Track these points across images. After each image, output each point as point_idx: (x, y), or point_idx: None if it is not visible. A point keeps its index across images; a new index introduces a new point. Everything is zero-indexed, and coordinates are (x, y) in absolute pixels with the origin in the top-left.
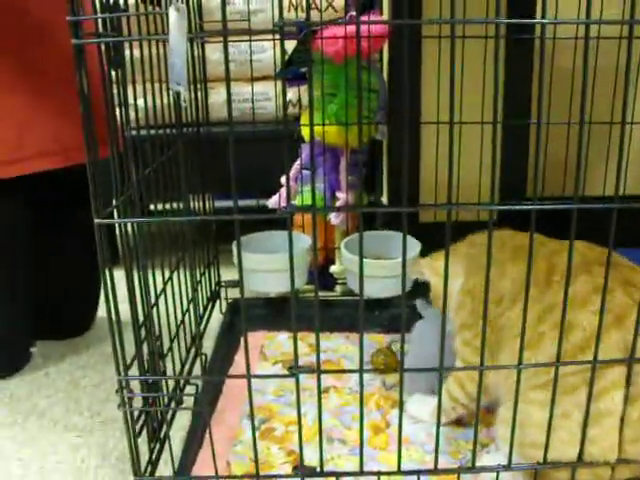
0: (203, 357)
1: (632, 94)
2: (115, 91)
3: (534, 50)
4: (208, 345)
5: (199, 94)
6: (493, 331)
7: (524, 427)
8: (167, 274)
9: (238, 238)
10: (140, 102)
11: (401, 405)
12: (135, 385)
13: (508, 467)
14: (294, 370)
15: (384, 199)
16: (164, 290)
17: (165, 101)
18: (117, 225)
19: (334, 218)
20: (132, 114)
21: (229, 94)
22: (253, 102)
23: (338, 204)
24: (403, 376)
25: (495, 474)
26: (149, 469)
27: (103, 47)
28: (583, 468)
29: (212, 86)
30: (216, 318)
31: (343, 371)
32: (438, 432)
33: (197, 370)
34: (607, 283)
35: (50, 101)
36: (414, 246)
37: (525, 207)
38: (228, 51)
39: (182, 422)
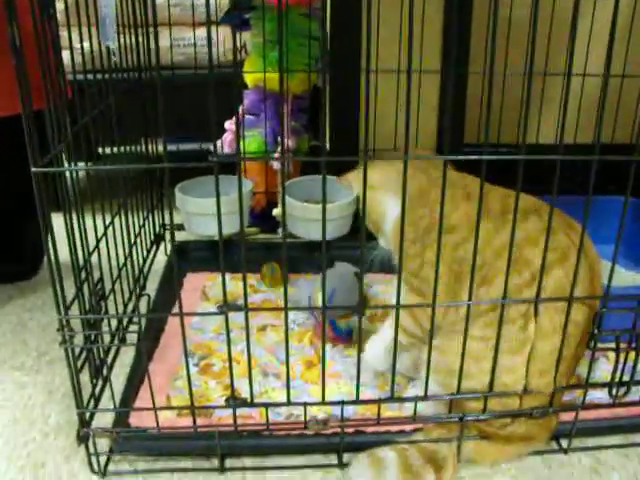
0: (146, 297)
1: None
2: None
3: None
4: (153, 287)
5: (140, 39)
6: (446, 262)
7: (450, 355)
8: (110, 218)
9: (166, 186)
10: (77, 46)
11: (323, 340)
12: (78, 326)
13: (425, 397)
14: (224, 308)
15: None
16: (105, 234)
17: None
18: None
19: (276, 163)
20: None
21: (156, 40)
22: (195, 46)
23: (280, 149)
24: (325, 314)
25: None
26: (92, 403)
27: None
28: (494, 398)
29: None
30: (161, 260)
31: (269, 309)
32: (359, 365)
33: (141, 311)
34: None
35: None
36: (351, 191)
37: (439, 157)
38: None
39: (126, 360)
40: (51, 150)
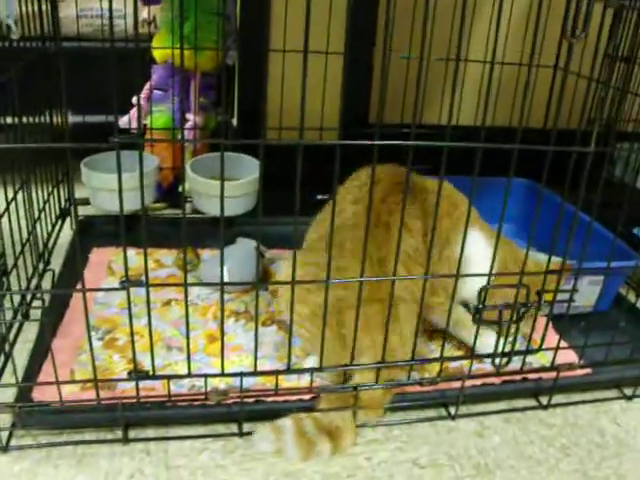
0: (51, 273)
1: (467, 33)
2: None
3: None
4: (59, 262)
5: (44, 6)
6: None
7: None
8: (11, 193)
9: (68, 167)
10: None
11: (222, 313)
12: None
13: (320, 369)
14: (125, 283)
15: (234, 120)
16: (7, 209)
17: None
18: None
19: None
20: None
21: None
22: (102, 18)
23: (187, 125)
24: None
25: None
26: None
27: None
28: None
29: None
30: (67, 235)
31: (170, 285)
32: (256, 338)
33: (45, 287)
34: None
35: None
36: (257, 168)
37: (329, 142)
38: None
39: (29, 336)
40: None
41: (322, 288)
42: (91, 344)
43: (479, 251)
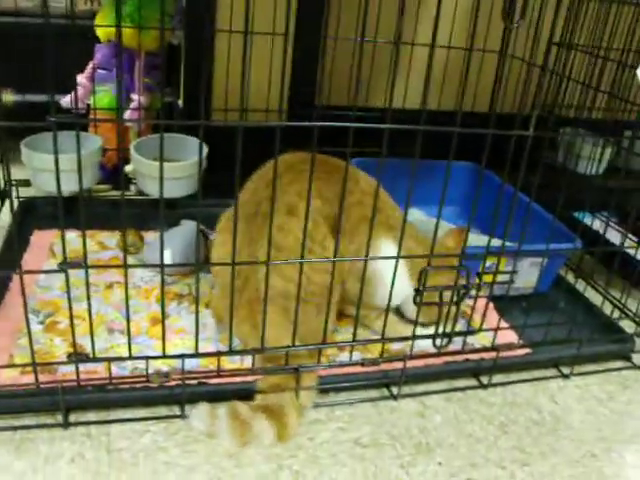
0: None
1: (415, 17)
2: None
3: None
4: None
5: None
6: None
7: None
8: None
9: (3, 145)
10: None
11: (162, 294)
12: None
13: (261, 350)
14: (63, 266)
15: (180, 101)
16: None
17: None
18: None
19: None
20: None
21: None
22: None
23: (132, 105)
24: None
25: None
26: None
27: None
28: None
29: None
30: (8, 217)
31: (109, 266)
32: (197, 319)
33: None
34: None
35: None
36: (202, 149)
37: (270, 124)
38: None
39: None
40: None
41: None
42: (29, 327)
43: (389, 263)
